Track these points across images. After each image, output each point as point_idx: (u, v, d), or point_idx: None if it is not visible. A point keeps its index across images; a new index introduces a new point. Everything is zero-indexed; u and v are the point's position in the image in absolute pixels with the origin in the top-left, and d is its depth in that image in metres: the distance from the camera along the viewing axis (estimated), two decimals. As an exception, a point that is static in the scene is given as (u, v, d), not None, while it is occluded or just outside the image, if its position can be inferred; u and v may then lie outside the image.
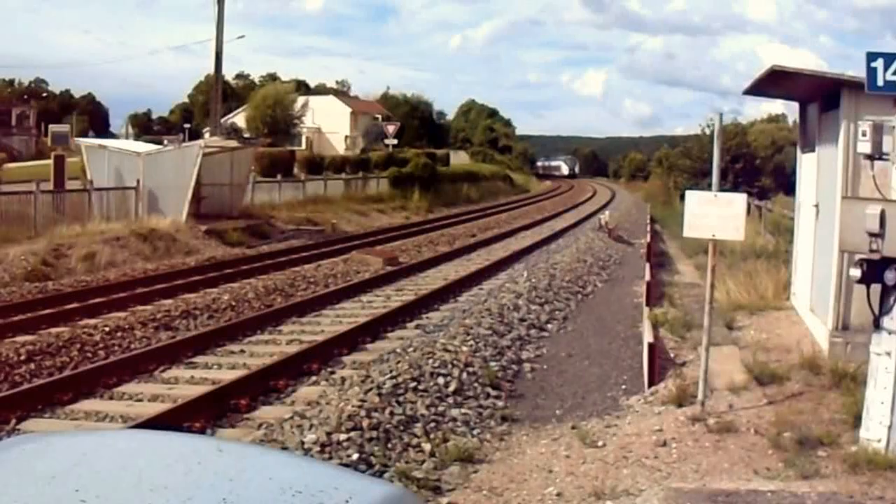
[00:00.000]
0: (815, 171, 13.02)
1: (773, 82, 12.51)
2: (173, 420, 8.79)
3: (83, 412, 10.02)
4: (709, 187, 9.68)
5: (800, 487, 6.92)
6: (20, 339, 13.18)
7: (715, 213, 9.12)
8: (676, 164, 51.65)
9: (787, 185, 33.19)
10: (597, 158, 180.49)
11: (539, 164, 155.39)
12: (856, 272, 8.28)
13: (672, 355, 11.83)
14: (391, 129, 60.87)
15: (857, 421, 8.07)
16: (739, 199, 9.37)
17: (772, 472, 7.36)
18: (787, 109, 49.35)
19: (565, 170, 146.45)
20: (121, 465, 2.32)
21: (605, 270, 22.78)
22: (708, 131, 40.80)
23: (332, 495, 2.21)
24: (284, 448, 7.92)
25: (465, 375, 11.08)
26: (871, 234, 7.86)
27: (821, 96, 12.66)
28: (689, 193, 9.76)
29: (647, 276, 17.80)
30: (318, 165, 54.99)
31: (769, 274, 15.94)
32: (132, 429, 4.80)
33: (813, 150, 13.38)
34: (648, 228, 31.10)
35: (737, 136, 42.59)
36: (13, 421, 9.46)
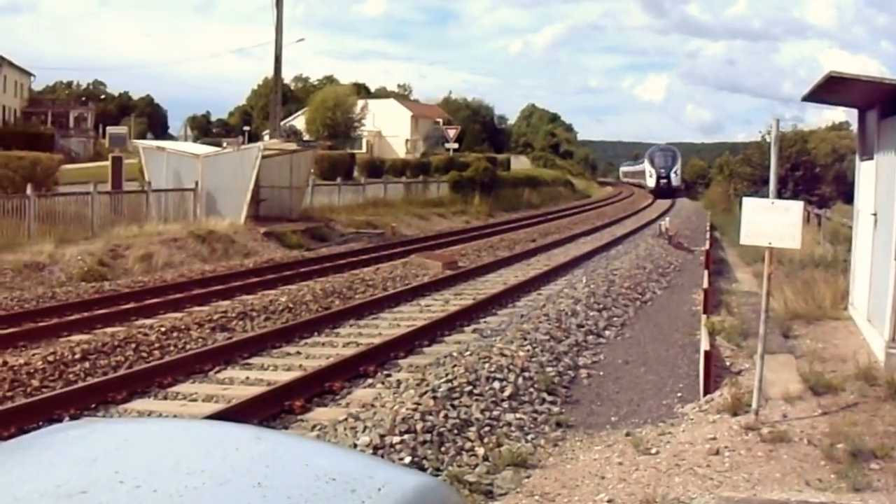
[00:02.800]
0: (873, 179, 12.78)
1: (831, 89, 12.30)
2: (227, 420, 8.88)
3: (136, 411, 10.19)
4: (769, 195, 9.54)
5: (851, 500, 6.81)
6: (75, 337, 13.43)
7: (772, 221, 8.99)
8: (737, 171, 51.04)
9: (847, 193, 32.63)
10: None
11: (626, 168, 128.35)
12: (912, 283, 8.14)
13: (728, 363, 11.69)
14: (452, 133, 60.90)
15: (911, 434, 7.93)
16: (796, 207, 9.22)
17: (823, 484, 7.24)
18: (850, 117, 48.49)
19: (650, 180, 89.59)
20: (160, 450, 2.37)
21: (664, 277, 22.56)
22: (768, 138, 40.37)
23: (365, 483, 2.22)
24: None
25: (520, 380, 11.05)
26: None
27: (880, 102, 12.41)
28: (746, 201, 9.62)
29: (706, 284, 17.63)
30: (378, 169, 55.16)
31: (827, 283, 15.67)
32: (172, 418, 4.98)
33: (871, 158, 13.14)
34: (708, 236, 30.78)
35: (797, 143, 41.98)
36: (66, 419, 9.63)
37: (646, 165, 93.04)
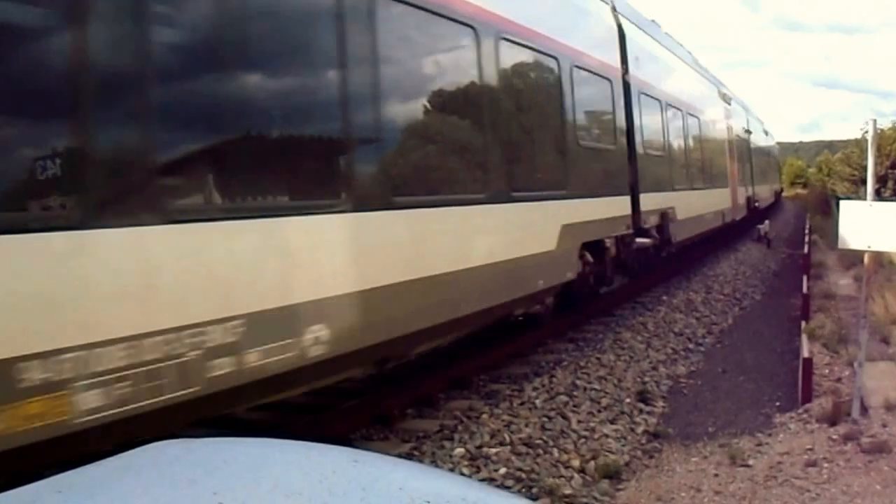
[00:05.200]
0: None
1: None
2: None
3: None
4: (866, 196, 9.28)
5: (954, 513, 6.59)
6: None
7: (870, 224, 8.76)
8: (836, 170, 49.74)
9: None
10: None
11: None
12: None
13: (826, 371, 11.39)
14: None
15: None
16: (894, 209, 8.97)
17: (925, 496, 7.03)
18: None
19: None
20: (258, 472, 2.37)
21: (763, 283, 22.13)
22: (867, 136, 39.21)
23: None
24: (432, 461, 8.01)
25: (617, 391, 10.97)
26: None
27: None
28: (843, 203, 9.37)
29: (804, 289, 17.20)
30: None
31: (929, 286, 15.17)
32: (270, 438, 5.19)
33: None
34: (807, 239, 30.03)
35: (896, 141, 40.75)
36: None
37: None
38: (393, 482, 2.37)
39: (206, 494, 2.15)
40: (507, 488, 7.53)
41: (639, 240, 16.05)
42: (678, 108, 21.04)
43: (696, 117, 23.40)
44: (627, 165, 15.73)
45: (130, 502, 2.17)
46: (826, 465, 7.86)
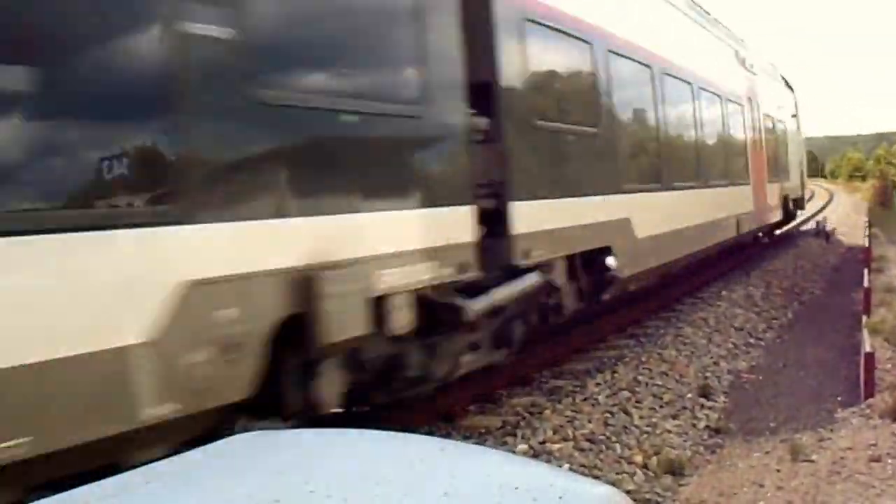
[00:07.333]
0: None
1: None
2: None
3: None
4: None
5: None
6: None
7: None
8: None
9: None
10: (814, 158, 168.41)
11: None
12: None
13: (889, 366, 11.16)
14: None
15: None
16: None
17: None
18: None
19: None
20: (346, 461, 2.38)
21: (823, 277, 21.74)
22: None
23: (546, 492, 2.19)
24: None
25: (679, 386, 10.87)
26: None
27: None
28: None
29: (866, 283, 16.88)
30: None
31: None
32: (355, 429, 5.14)
33: None
34: (867, 232, 29.42)
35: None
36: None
37: None
38: (481, 470, 2.36)
39: (296, 483, 2.15)
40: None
41: None
42: None
43: None
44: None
45: (223, 491, 2.17)
46: (890, 460, 7.71)
